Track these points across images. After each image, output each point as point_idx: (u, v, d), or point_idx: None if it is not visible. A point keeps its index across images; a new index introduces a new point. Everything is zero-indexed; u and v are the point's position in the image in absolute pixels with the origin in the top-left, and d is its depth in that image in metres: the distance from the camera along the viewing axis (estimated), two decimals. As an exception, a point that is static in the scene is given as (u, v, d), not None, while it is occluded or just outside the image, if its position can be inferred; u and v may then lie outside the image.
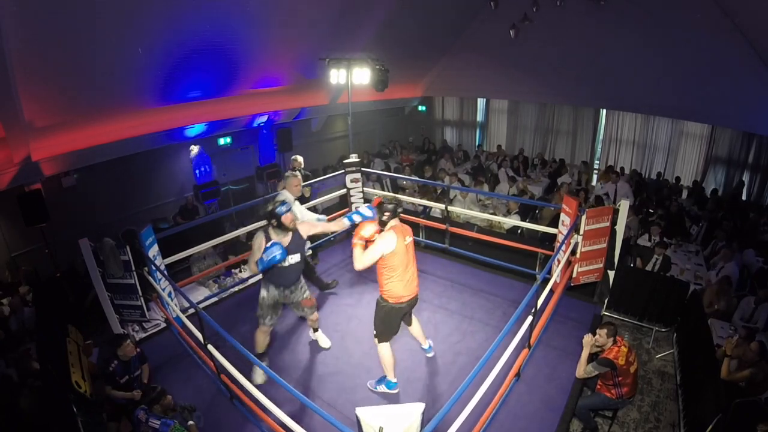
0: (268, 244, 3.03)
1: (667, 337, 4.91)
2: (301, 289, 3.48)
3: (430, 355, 3.73)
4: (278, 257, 2.99)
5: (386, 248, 2.94)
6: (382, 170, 9.12)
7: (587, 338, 3.42)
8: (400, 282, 3.04)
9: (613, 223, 4.09)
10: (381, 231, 3.05)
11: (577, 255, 4.14)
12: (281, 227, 3.15)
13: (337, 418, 2.11)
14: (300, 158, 5.40)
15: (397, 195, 3.21)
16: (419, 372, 3.54)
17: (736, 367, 3.66)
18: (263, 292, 3.37)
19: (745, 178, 8.58)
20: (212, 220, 5.80)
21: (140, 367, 3.41)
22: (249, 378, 2.91)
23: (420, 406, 1.92)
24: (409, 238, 3.10)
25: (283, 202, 3.17)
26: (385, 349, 3.21)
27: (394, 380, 3.33)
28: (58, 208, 5.88)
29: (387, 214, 3.02)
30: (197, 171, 7.99)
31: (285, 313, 4.42)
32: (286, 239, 3.19)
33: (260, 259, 2.99)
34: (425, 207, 6.80)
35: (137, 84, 5.58)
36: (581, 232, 4.04)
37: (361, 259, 2.93)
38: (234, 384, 2.99)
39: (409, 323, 3.50)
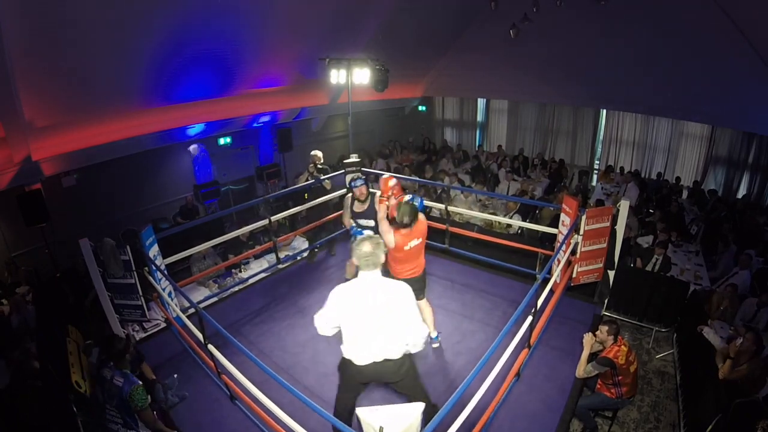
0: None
1: (667, 337, 4.91)
2: None
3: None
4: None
5: None
6: (382, 170, 9.10)
7: (587, 338, 3.42)
8: None
9: (613, 223, 4.09)
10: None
11: (577, 255, 4.13)
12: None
13: (337, 418, 2.10)
14: (319, 153, 5.76)
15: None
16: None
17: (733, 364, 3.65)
18: None
19: (745, 178, 8.57)
20: (212, 220, 5.81)
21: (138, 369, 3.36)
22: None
23: (420, 406, 1.93)
24: None
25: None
26: None
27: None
28: (58, 208, 5.88)
29: None
30: (197, 171, 8.00)
31: (285, 313, 4.42)
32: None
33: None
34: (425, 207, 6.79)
35: (137, 84, 5.58)
36: (581, 232, 4.04)
37: None
38: (234, 384, 2.99)
39: None
